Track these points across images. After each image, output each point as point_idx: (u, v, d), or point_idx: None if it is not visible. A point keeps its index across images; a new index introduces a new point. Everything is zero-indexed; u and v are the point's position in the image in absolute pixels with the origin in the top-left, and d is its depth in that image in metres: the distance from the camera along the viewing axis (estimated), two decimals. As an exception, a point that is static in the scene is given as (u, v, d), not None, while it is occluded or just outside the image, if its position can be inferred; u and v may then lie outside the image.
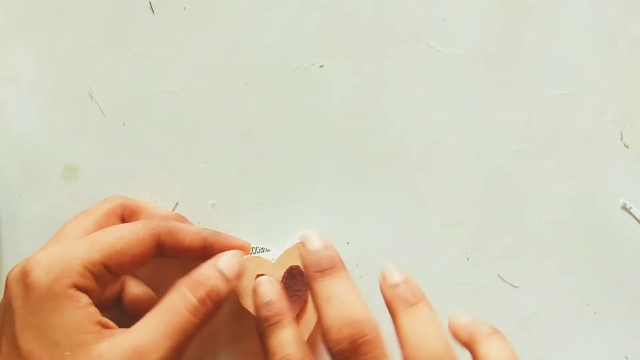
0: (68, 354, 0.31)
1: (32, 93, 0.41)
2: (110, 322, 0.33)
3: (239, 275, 0.36)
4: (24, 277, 0.32)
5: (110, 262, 0.34)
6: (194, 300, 0.34)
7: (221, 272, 0.35)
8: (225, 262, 0.36)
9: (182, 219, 0.40)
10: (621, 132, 0.40)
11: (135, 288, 0.39)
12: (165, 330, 0.33)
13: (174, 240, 0.36)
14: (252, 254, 0.38)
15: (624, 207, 0.40)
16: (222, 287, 0.35)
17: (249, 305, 0.38)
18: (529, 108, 0.40)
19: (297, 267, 0.37)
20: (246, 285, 0.38)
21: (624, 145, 0.40)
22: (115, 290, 0.39)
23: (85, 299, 0.33)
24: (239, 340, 0.41)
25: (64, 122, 0.41)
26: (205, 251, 0.37)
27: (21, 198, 0.42)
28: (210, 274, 0.35)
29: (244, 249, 0.38)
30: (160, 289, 0.40)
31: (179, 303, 0.33)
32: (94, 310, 0.33)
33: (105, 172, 0.41)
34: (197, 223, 0.40)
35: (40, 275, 0.32)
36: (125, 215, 0.39)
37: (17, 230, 0.42)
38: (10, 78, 0.41)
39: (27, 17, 0.41)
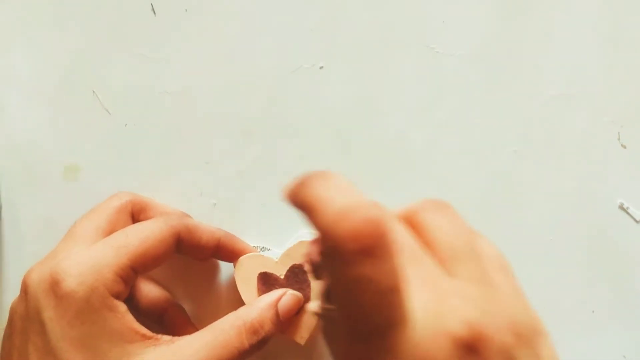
0: None
1: (33, 93, 0.41)
2: (144, 328, 0.33)
3: (292, 316, 0.37)
4: (54, 287, 0.32)
5: (137, 265, 0.34)
6: (247, 346, 0.34)
7: (278, 317, 0.35)
8: (285, 305, 0.36)
9: (187, 218, 0.40)
10: (618, 133, 0.40)
11: (144, 285, 0.39)
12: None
13: (192, 239, 0.36)
14: (254, 253, 0.39)
15: (621, 207, 0.40)
16: (274, 332, 0.35)
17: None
18: (527, 108, 0.40)
19: (299, 265, 0.37)
20: (248, 284, 0.38)
21: (622, 145, 0.40)
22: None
23: (123, 307, 0.33)
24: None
25: (65, 122, 0.41)
26: (217, 251, 0.38)
27: (22, 198, 0.41)
28: (269, 320, 0.35)
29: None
30: (167, 285, 0.40)
31: (233, 343, 0.34)
32: (131, 317, 0.33)
33: (106, 172, 0.41)
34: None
35: (73, 286, 0.32)
36: (135, 212, 0.39)
37: (18, 230, 0.42)
38: (11, 78, 0.41)
39: (29, 18, 0.41)
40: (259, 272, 0.38)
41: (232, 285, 0.39)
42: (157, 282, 0.40)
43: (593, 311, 0.40)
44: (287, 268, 0.38)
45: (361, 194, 0.24)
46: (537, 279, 0.40)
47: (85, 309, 0.32)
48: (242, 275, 0.38)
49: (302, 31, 0.40)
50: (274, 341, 0.39)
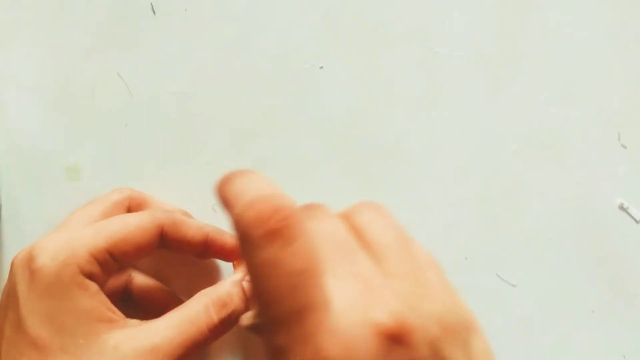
0: (81, 341, 0.31)
1: (33, 93, 0.41)
2: (118, 311, 0.34)
3: None
4: (30, 262, 0.32)
5: (114, 250, 0.34)
6: (215, 320, 0.34)
7: (244, 292, 0.36)
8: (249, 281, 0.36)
9: (187, 215, 0.40)
10: (619, 133, 0.40)
11: (143, 280, 0.39)
12: (183, 340, 0.33)
13: (177, 232, 0.36)
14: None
15: (621, 207, 0.40)
16: (242, 307, 0.35)
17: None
18: (527, 108, 0.40)
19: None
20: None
21: (622, 145, 0.40)
22: (121, 283, 0.39)
23: (94, 286, 0.33)
24: (239, 339, 0.41)
25: (65, 122, 0.41)
26: (206, 247, 0.37)
27: (23, 198, 0.42)
28: (234, 294, 0.35)
29: None
30: (165, 283, 0.40)
31: (201, 319, 0.34)
32: (103, 297, 0.33)
33: (106, 173, 0.41)
34: (198, 222, 0.41)
35: (46, 261, 0.32)
36: (132, 207, 0.39)
37: (19, 230, 0.42)
38: (11, 78, 0.41)
39: (28, 17, 0.41)
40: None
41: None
42: (158, 279, 0.40)
43: (593, 311, 0.40)
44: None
45: (275, 188, 0.26)
46: (536, 279, 0.40)
47: (54, 284, 0.32)
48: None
49: (302, 31, 0.40)
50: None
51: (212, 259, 0.40)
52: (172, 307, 0.38)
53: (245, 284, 0.36)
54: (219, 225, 0.39)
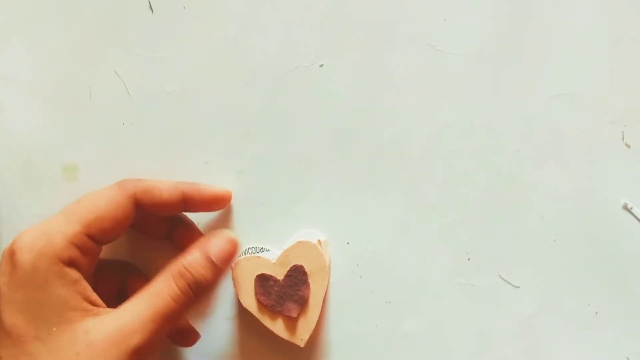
0: (55, 329, 0.32)
1: (31, 92, 0.41)
2: (98, 300, 0.34)
3: (230, 258, 0.37)
4: (11, 254, 0.33)
5: (91, 230, 0.34)
6: (177, 290, 0.35)
7: (209, 260, 0.36)
8: (214, 248, 0.36)
9: (196, 187, 0.39)
10: (622, 132, 0.40)
11: (138, 277, 0.40)
12: (150, 314, 0.34)
13: (152, 198, 0.36)
14: (252, 254, 0.38)
15: (625, 207, 0.40)
16: (207, 275, 0.36)
17: (249, 305, 0.38)
18: (529, 108, 0.40)
19: (299, 266, 0.37)
20: (246, 286, 0.38)
21: (625, 145, 0.40)
22: (117, 280, 0.39)
23: (74, 274, 0.33)
24: (239, 340, 0.41)
25: (63, 121, 0.41)
26: (185, 204, 0.38)
27: (21, 198, 0.41)
28: (197, 264, 0.35)
29: (224, 198, 0.39)
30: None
31: (164, 290, 0.34)
32: (82, 286, 0.34)
33: (104, 172, 0.41)
34: (197, 223, 0.40)
35: (24, 252, 0.33)
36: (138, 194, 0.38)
37: (17, 230, 0.41)
38: (9, 78, 0.41)
39: (27, 17, 0.41)
40: (256, 274, 0.38)
41: (231, 287, 0.39)
42: (154, 275, 0.40)
43: (596, 312, 0.40)
44: (285, 269, 0.37)
45: None
46: (540, 280, 0.40)
47: (31, 274, 0.33)
48: (239, 276, 0.38)
49: (302, 29, 0.40)
50: (274, 343, 0.39)
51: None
52: None
53: (212, 252, 0.36)
54: (217, 221, 0.39)
